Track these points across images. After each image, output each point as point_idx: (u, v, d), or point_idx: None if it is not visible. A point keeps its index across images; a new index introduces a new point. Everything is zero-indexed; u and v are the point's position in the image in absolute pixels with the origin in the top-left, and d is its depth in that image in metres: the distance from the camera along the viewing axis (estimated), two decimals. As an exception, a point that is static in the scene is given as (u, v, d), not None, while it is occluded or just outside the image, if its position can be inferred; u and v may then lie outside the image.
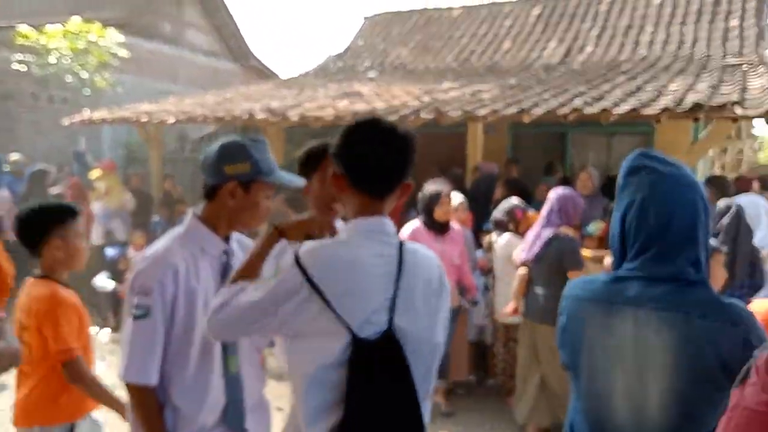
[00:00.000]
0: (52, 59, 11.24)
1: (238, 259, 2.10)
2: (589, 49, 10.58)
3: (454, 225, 5.09)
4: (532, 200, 6.42)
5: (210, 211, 2.04)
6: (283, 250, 1.85)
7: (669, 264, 1.52)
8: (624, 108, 5.72)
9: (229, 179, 1.96)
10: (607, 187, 6.03)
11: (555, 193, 4.54)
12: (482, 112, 6.32)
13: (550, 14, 11.96)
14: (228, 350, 2.04)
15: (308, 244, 1.62)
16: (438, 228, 4.91)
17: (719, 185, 5.93)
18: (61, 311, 2.49)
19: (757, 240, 5.07)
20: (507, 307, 4.75)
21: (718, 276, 3.29)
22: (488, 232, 5.54)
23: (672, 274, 1.52)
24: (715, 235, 5.17)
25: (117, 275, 7.54)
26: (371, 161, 1.62)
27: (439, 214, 4.87)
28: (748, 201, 5.61)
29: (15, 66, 11.14)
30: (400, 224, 5.00)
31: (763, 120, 5.47)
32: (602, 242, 5.09)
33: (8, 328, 3.25)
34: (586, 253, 4.78)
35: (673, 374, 1.46)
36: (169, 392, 1.97)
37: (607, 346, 1.57)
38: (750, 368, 1.11)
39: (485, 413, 5.11)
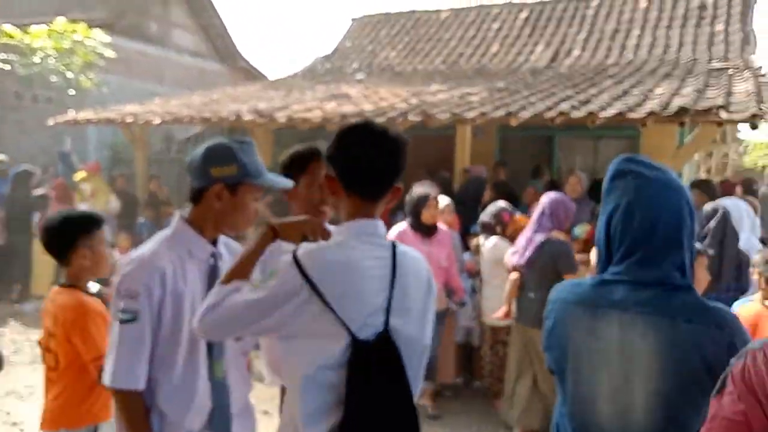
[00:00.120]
0: (36, 59, 11.14)
1: (226, 262, 2.09)
2: (576, 52, 10.64)
3: (442, 227, 5.10)
4: (519, 203, 6.45)
5: (197, 214, 2.03)
6: (273, 252, 1.85)
7: (654, 268, 1.53)
8: (610, 112, 5.75)
9: (215, 182, 1.94)
10: (594, 191, 6.07)
11: (546, 198, 4.56)
12: (470, 114, 6.33)
13: (537, 18, 12.02)
14: (214, 355, 2.03)
15: (305, 246, 1.64)
16: (425, 230, 4.91)
17: (706, 188, 5.99)
18: (90, 319, 2.53)
19: (740, 243, 5.13)
20: (498, 311, 4.77)
21: (701, 278, 3.32)
22: (476, 235, 5.55)
23: (657, 278, 1.52)
24: (702, 238, 5.22)
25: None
26: (364, 164, 1.65)
27: (426, 216, 4.88)
28: (731, 204, 5.67)
29: (-1, 65, 11.05)
30: (387, 227, 5.00)
31: (747, 124, 5.51)
32: (588, 245, 5.12)
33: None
34: (572, 256, 4.80)
35: (658, 378, 1.46)
36: (156, 396, 1.95)
37: (593, 349, 1.58)
38: (726, 377, 1.12)
39: (472, 415, 5.11)
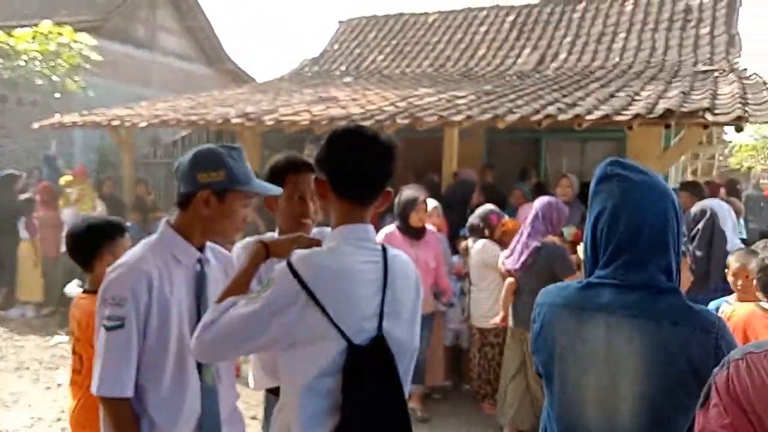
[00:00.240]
0: (21, 62, 11.04)
1: (213, 269, 2.08)
2: (562, 56, 10.69)
3: (430, 228, 5.11)
4: (507, 206, 6.48)
5: (184, 220, 2.01)
6: (268, 264, 1.84)
7: (640, 271, 1.53)
8: (596, 115, 5.79)
9: (203, 187, 1.92)
10: (584, 193, 6.09)
11: (539, 202, 4.59)
12: (458, 118, 6.35)
13: (524, 21, 12.07)
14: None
15: (299, 253, 1.62)
16: (413, 233, 4.92)
17: (695, 190, 6.06)
18: None
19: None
20: (496, 317, 4.80)
21: (683, 279, 3.35)
22: (464, 238, 5.57)
23: (643, 281, 1.53)
24: (692, 240, 5.27)
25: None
26: (353, 167, 1.65)
27: (414, 219, 4.89)
28: (715, 205, 5.73)
29: (-18, 68, 10.94)
30: (376, 229, 5.00)
31: (732, 126, 5.56)
32: (574, 246, 5.15)
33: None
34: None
35: (644, 381, 1.47)
36: (145, 404, 1.93)
37: (580, 352, 1.58)
38: (710, 389, 1.12)
39: (461, 418, 5.11)
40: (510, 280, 4.66)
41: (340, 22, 14.38)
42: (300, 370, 1.58)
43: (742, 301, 3.27)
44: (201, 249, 2.05)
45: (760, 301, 3.03)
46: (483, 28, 12.28)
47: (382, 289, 1.63)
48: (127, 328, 1.85)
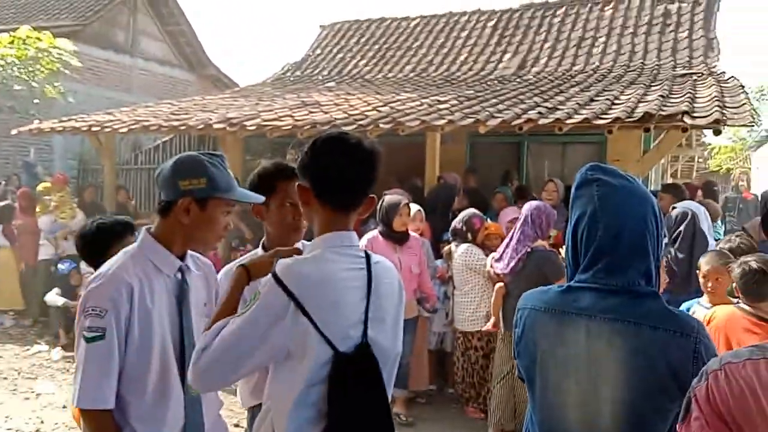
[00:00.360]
0: (-2, 67, 10.92)
1: (195, 277, 2.06)
2: (543, 60, 10.77)
3: (413, 234, 5.11)
4: (489, 209, 6.50)
5: (164, 228, 1.99)
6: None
7: (620, 275, 1.54)
8: (577, 119, 5.83)
9: (183, 195, 1.91)
10: (567, 198, 6.13)
11: (528, 207, 4.60)
12: (440, 122, 6.37)
13: (505, 26, 12.14)
14: (187, 371, 1.98)
15: (282, 262, 1.61)
16: (396, 238, 4.92)
17: (676, 192, 6.13)
18: None
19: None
20: (488, 324, 4.82)
21: (659, 280, 3.38)
22: (448, 242, 5.58)
23: (623, 285, 1.54)
24: (674, 242, 5.32)
25: (69, 290, 7.33)
26: (335, 173, 1.64)
27: (397, 223, 4.89)
28: (694, 207, 5.78)
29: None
30: (359, 235, 4.99)
31: (711, 129, 5.62)
32: (554, 249, 5.18)
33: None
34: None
35: (624, 384, 1.48)
36: (127, 415, 1.90)
37: (561, 356, 1.59)
38: (690, 402, 1.13)
39: (445, 422, 5.12)
40: (500, 284, 4.68)
41: (321, 26, 14.35)
42: (291, 382, 1.57)
43: (713, 303, 3.32)
44: (182, 257, 2.03)
45: (736, 302, 3.08)
46: (465, 33, 12.33)
47: (366, 296, 1.63)
48: (107, 339, 1.82)
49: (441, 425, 5.06)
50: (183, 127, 7.85)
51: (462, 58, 11.58)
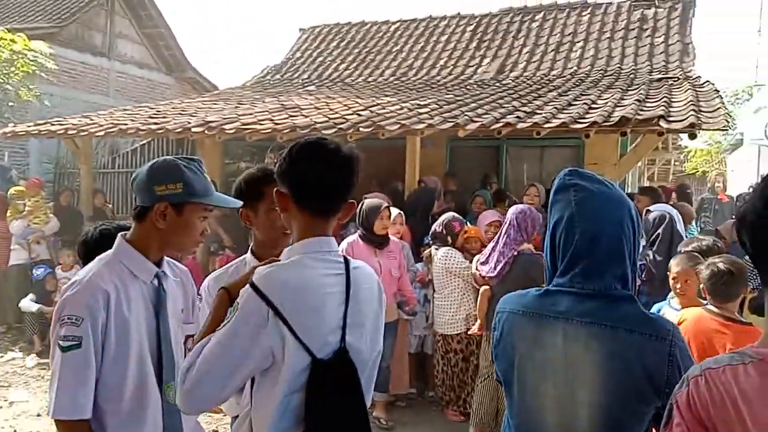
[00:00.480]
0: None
1: (171, 284, 2.04)
2: (522, 65, 10.85)
3: (393, 238, 5.12)
4: (468, 212, 6.53)
5: (140, 234, 1.96)
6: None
7: (597, 280, 1.56)
8: (554, 123, 5.88)
9: (160, 200, 1.89)
10: (548, 202, 6.17)
11: (514, 210, 4.61)
12: (419, 126, 6.39)
13: (484, 31, 12.22)
14: (165, 378, 1.95)
15: (260, 270, 1.59)
16: (376, 242, 4.93)
17: (653, 195, 6.21)
18: None
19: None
20: (474, 327, 4.83)
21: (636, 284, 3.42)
22: (428, 245, 5.59)
23: (600, 289, 1.55)
24: (651, 245, 5.38)
25: (44, 296, 7.23)
26: (314, 179, 1.63)
27: (378, 227, 4.89)
28: (668, 210, 5.86)
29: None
30: (338, 239, 4.99)
31: (686, 133, 5.70)
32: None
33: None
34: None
35: (601, 388, 1.49)
36: (104, 424, 1.86)
37: (538, 359, 1.60)
38: (672, 408, 1.13)
39: (425, 426, 5.12)
40: (485, 287, 4.69)
41: (301, 30, 14.33)
42: (271, 390, 1.56)
43: (682, 305, 3.37)
44: (158, 263, 2.00)
45: (705, 303, 3.12)
46: (444, 37, 12.40)
47: (345, 301, 1.62)
48: (83, 348, 1.78)
49: (421, 429, 5.06)
50: (161, 131, 7.78)
51: (442, 62, 11.64)
